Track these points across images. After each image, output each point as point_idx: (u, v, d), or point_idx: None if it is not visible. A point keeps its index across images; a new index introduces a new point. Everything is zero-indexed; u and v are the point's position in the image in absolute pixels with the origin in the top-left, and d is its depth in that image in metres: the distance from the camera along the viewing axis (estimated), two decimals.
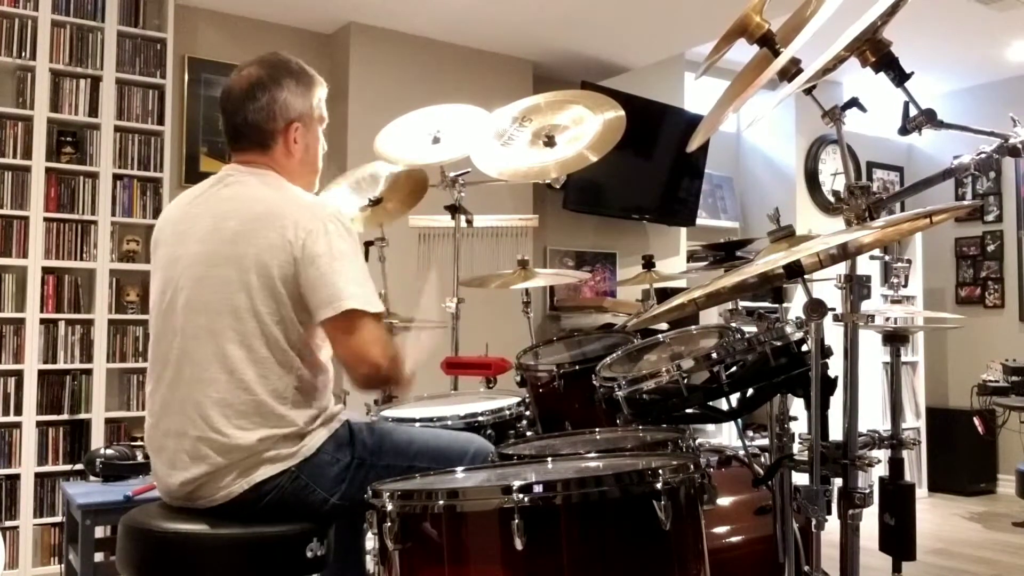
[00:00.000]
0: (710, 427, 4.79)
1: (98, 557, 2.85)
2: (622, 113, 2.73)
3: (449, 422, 2.22)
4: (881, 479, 2.38)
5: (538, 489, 1.29)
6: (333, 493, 1.71)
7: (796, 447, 1.82)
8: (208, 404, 1.64)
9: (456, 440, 1.88)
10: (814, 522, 1.64)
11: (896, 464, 2.44)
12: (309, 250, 1.65)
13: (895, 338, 2.71)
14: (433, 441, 1.85)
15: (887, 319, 3.52)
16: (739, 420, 1.97)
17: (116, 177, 4.02)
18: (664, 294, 3.67)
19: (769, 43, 1.77)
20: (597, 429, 2.19)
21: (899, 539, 2.28)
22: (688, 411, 1.78)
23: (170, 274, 1.75)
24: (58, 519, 3.75)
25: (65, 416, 3.85)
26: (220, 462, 1.64)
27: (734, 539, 2.09)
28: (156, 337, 1.76)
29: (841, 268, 1.73)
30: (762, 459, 2.26)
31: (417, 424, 2.22)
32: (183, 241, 1.76)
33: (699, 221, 5.60)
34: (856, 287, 1.71)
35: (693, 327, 2.24)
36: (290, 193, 1.77)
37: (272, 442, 1.65)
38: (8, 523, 3.69)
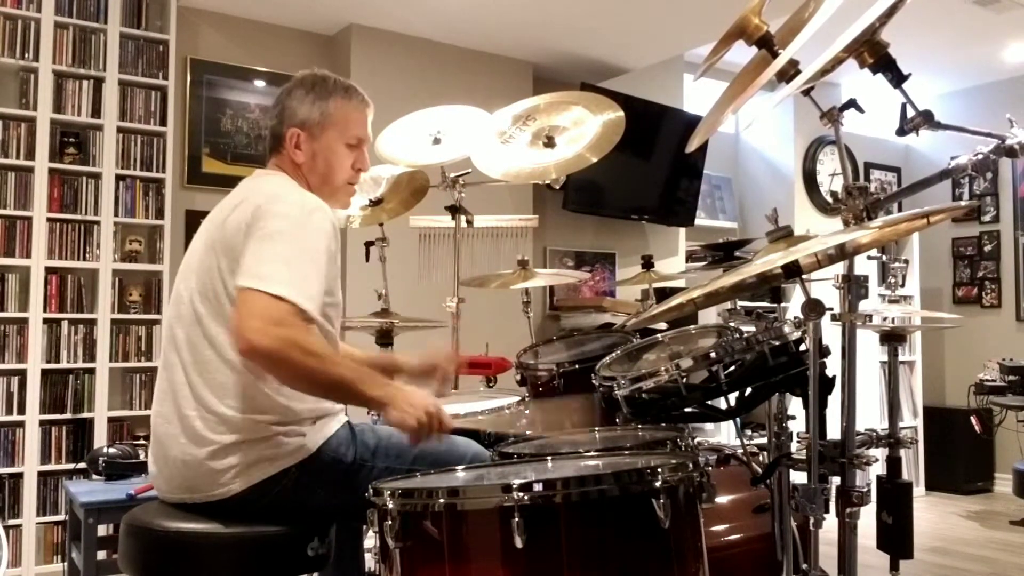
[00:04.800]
0: (709, 426, 4.80)
1: (101, 555, 2.86)
2: (621, 114, 2.74)
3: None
4: (879, 478, 2.39)
5: (538, 488, 1.30)
6: (333, 495, 1.72)
7: (794, 446, 1.83)
8: (199, 385, 1.67)
9: (455, 445, 1.90)
10: (812, 520, 1.65)
11: (894, 463, 2.46)
12: (251, 227, 1.66)
13: (892, 337, 2.72)
14: (432, 445, 1.86)
15: (885, 319, 3.53)
16: (737, 419, 1.98)
17: (119, 178, 4.03)
18: (663, 294, 3.69)
19: (768, 44, 1.78)
20: (596, 428, 2.21)
21: (897, 537, 2.29)
22: (687, 410, 1.79)
23: (180, 268, 1.83)
24: (61, 518, 3.77)
25: (68, 415, 3.87)
26: (212, 442, 1.65)
27: (733, 537, 2.10)
28: (163, 328, 1.84)
29: (839, 268, 1.74)
30: (760, 458, 2.28)
31: None
32: (195, 239, 1.84)
33: (698, 221, 5.61)
34: (854, 287, 1.72)
35: (692, 327, 2.25)
36: (272, 184, 1.79)
37: (264, 429, 1.65)
38: (11, 521, 3.70)
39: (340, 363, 1.61)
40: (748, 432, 4.75)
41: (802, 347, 1.71)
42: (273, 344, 1.51)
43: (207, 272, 1.72)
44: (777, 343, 1.71)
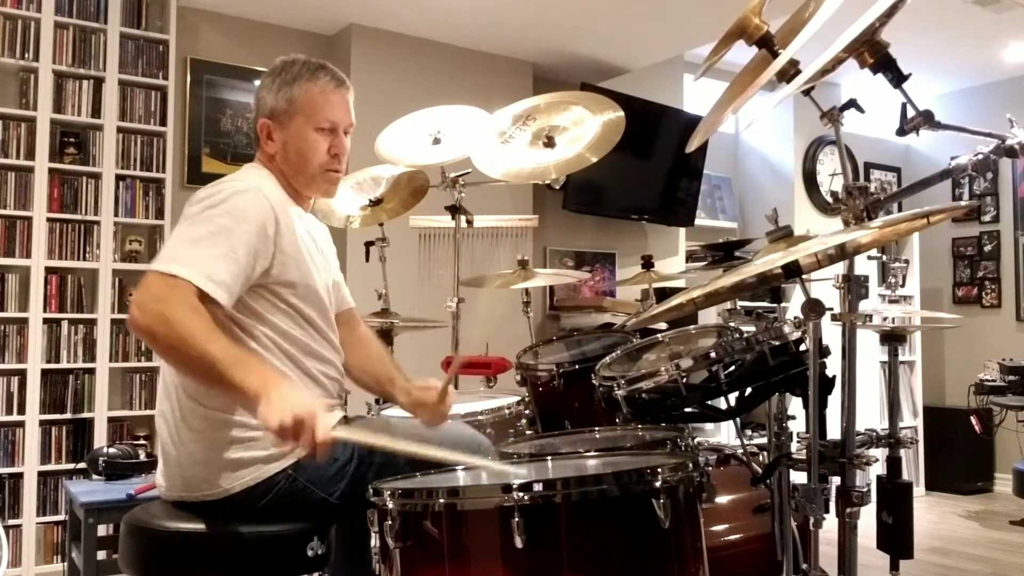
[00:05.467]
0: (709, 426, 4.80)
1: (101, 555, 2.86)
2: (621, 114, 2.74)
3: (449, 422, 2.23)
4: (879, 478, 2.39)
5: (538, 488, 1.30)
6: (331, 493, 1.71)
7: (794, 446, 1.83)
8: (190, 385, 1.66)
9: (448, 433, 1.89)
10: (812, 520, 1.66)
11: (894, 463, 2.45)
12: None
13: (893, 338, 2.72)
14: (427, 433, 1.85)
15: (885, 319, 3.53)
16: (737, 419, 1.99)
17: (119, 178, 4.04)
18: (663, 294, 3.69)
19: (768, 44, 1.78)
20: (596, 428, 2.21)
21: (897, 537, 2.29)
22: (687, 410, 1.79)
23: None
24: (61, 517, 3.77)
25: (68, 415, 3.87)
26: (205, 442, 1.65)
27: (733, 537, 2.10)
28: None
29: (839, 268, 1.74)
30: (760, 458, 2.28)
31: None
32: None
33: (698, 221, 5.61)
34: (854, 287, 1.72)
35: (692, 327, 2.26)
36: (227, 176, 1.76)
37: (255, 429, 1.61)
38: (11, 521, 3.70)
39: (212, 341, 1.47)
40: (748, 432, 4.75)
41: (802, 347, 1.71)
42: (143, 319, 1.47)
43: None
44: (777, 343, 1.71)
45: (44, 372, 3.83)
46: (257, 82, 4.67)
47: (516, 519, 1.26)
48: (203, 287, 1.51)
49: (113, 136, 4.02)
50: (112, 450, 2.94)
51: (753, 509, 2.12)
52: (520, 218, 4.15)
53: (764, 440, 1.95)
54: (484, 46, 4.98)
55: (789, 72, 1.68)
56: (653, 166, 5.28)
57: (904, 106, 1.57)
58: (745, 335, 1.76)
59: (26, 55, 3.88)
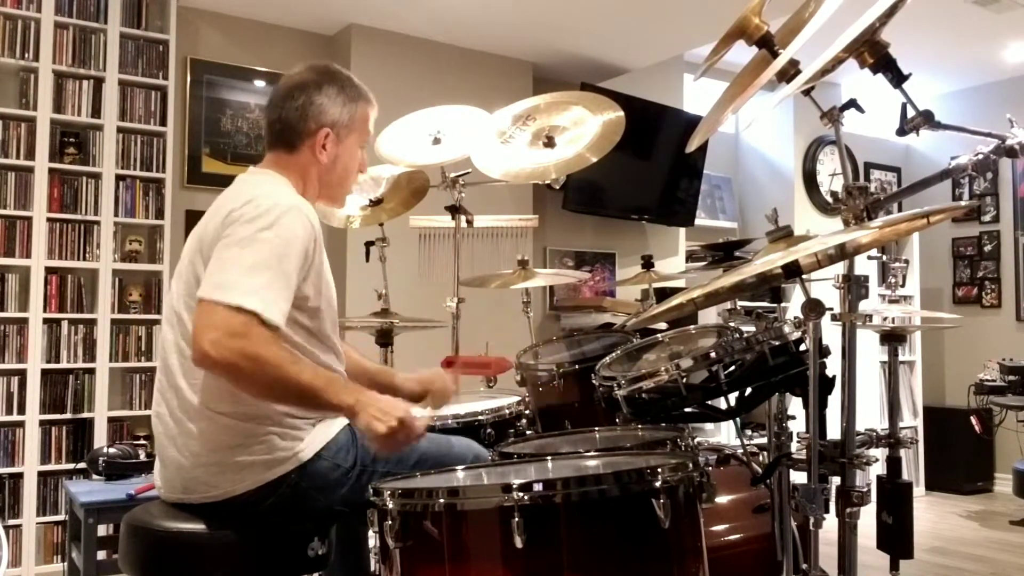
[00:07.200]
0: (709, 426, 4.81)
1: (101, 555, 2.86)
2: (621, 114, 2.74)
3: (449, 422, 2.23)
4: (879, 478, 2.40)
5: (538, 488, 1.30)
6: (334, 500, 1.71)
7: (794, 446, 1.83)
8: (191, 388, 1.66)
9: (456, 445, 1.90)
10: (812, 520, 1.66)
11: (894, 463, 2.46)
12: (221, 235, 1.62)
13: (893, 337, 2.72)
14: (434, 448, 1.85)
15: (885, 319, 3.53)
16: (737, 419, 1.99)
17: (119, 178, 4.04)
18: (663, 294, 3.69)
19: (768, 44, 1.78)
20: (596, 428, 2.21)
21: (897, 537, 2.29)
22: (687, 410, 1.79)
23: (176, 269, 1.81)
24: (61, 517, 3.77)
25: (68, 415, 3.87)
26: (205, 445, 1.64)
27: (732, 537, 2.10)
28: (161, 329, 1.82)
29: (839, 268, 1.74)
30: (760, 458, 2.28)
31: None
32: (187, 241, 1.80)
33: (698, 221, 5.61)
34: (854, 287, 1.72)
35: (692, 327, 2.26)
36: (251, 186, 1.73)
37: (257, 432, 1.63)
38: (11, 521, 3.70)
39: (303, 370, 1.54)
40: (748, 432, 4.75)
41: (802, 347, 1.71)
42: (228, 356, 1.47)
43: (191, 281, 1.68)
44: (777, 343, 1.71)
45: (44, 372, 3.83)
46: (258, 82, 4.64)
47: (516, 519, 1.26)
48: (268, 317, 1.52)
49: (113, 136, 4.02)
50: (112, 450, 2.94)
51: (753, 509, 2.12)
52: (520, 218, 4.14)
53: (764, 440, 1.95)
54: (484, 46, 4.98)
55: (789, 72, 1.68)
56: (653, 166, 5.28)
57: (904, 106, 1.57)
58: (745, 335, 1.76)
59: (26, 55, 3.88)
